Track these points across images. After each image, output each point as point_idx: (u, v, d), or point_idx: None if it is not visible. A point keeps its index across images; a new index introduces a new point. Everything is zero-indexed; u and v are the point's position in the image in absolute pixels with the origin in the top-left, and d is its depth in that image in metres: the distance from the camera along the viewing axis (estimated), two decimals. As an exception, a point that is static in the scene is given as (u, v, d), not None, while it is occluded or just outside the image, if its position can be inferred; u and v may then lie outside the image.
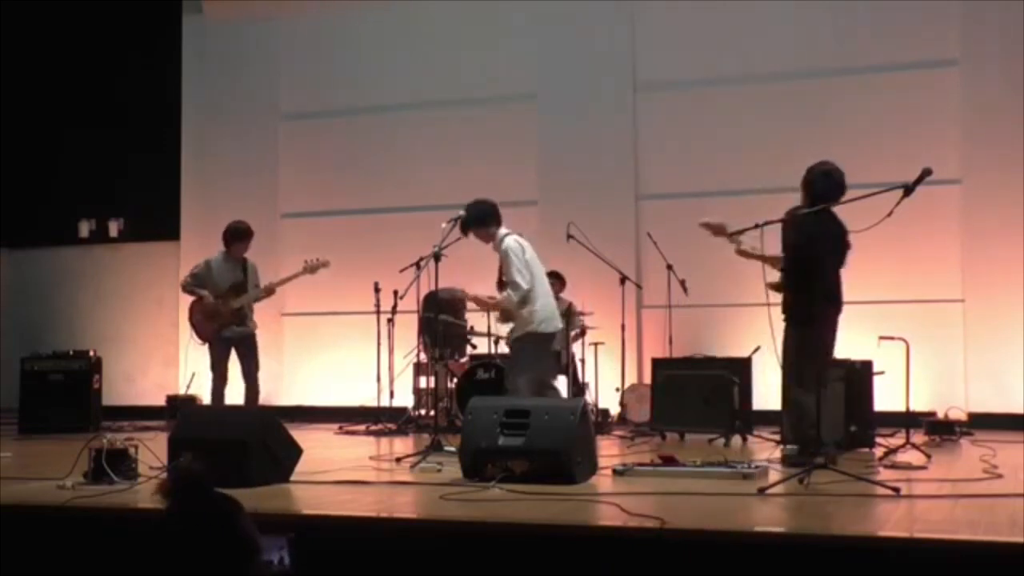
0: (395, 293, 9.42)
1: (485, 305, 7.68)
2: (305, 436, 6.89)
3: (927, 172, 5.43)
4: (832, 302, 6.37)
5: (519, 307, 7.11)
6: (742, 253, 6.62)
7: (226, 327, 8.60)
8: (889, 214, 5.39)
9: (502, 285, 7.33)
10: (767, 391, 8.05)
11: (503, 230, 7.27)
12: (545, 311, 7.18)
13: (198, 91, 12.16)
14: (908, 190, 5.41)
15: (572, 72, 10.92)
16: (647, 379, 9.34)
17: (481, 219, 7.24)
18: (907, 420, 7.49)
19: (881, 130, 9.94)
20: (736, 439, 8.07)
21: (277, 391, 11.32)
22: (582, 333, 9.65)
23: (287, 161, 11.85)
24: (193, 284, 8.80)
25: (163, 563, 2.65)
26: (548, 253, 9.94)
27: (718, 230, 7.06)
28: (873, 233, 5.64)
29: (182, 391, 11.03)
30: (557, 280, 9.85)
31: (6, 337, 12.07)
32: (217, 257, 8.81)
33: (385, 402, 9.67)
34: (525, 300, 7.09)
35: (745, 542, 4.13)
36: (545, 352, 7.31)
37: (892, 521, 4.49)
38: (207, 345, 8.74)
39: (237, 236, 8.71)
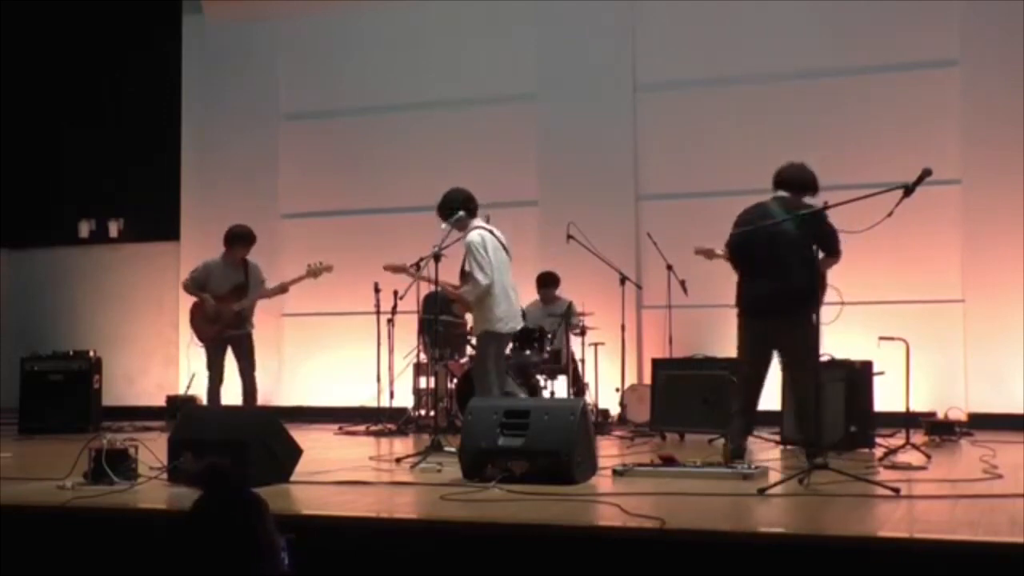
0: (395, 294, 9.41)
1: (451, 294, 7.69)
2: (305, 436, 6.89)
3: (927, 172, 5.44)
4: (742, 307, 6.49)
5: (478, 302, 7.20)
6: None
7: (226, 330, 8.59)
8: (889, 214, 5.41)
9: (464, 276, 7.36)
10: (767, 391, 8.04)
11: (475, 222, 7.31)
12: (503, 311, 7.24)
13: (198, 91, 12.16)
14: (908, 190, 5.42)
15: (572, 72, 10.91)
16: (647, 379, 9.34)
17: (445, 204, 7.32)
18: (907, 420, 7.49)
19: (881, 130, 9.94)
20: (736, 439, 8.06)
21: (277, 391, 11.32)
22: (582, 333, 9.65)
23: (287, 161, 11.85)
24: (194, 286, 8.81)
25: (179, 560, 2.64)
26: (548, 253, 10.02)
27: (710, 253, 7.18)
28: (873, 233, 5.65)
29: (182, 391, 11.02)
30: (551, 280, 9.87)
31: (6, 337, 12.08)
32: (216, 260, 8.80)
33: (385, 402, 9.66)
34: (484, 296, 7.16)
35: (745, 542, 4.13)
36: (501, 350, 7.40)
37: (892, 521, 4.49)
38: (204, 346, 8.76)
39: (239, 240, 8.66)
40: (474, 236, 7.21)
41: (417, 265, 8.30)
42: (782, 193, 6.53)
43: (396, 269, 8.34)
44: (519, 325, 7.54)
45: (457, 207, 7.29)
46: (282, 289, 8.84)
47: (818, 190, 6.57)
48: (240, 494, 2.68)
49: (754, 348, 6.47)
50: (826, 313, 6.23)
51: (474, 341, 9.50)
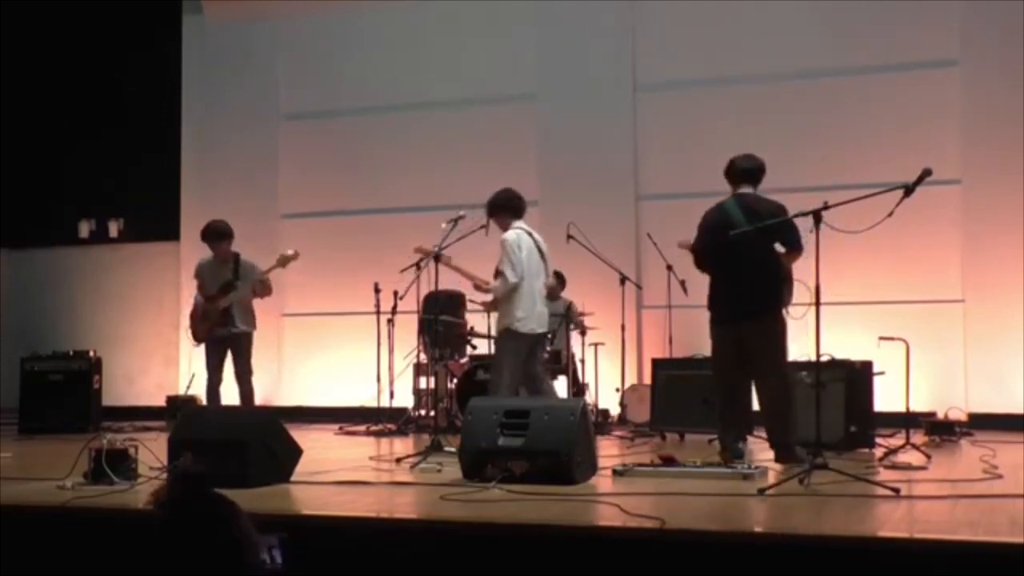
0: (395, 294, 9.42)
1: (474, 280, 7.73)
2: (305, 436, 6.89)
3: (927, 172, 5.45)
4: (712, 310, 6.52)
5: (503, 298, 7.26)
6: None
7: (214, 328, 8.57)
8: (889, 214, 5.41)
9: (498, 275, 7.44)
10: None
11: (517, 223, 7.42)
12: (525, 311, 7.27)
13: (198, 91, 12.16)
14: (908, 190, 5.43)
15: (572, 72, 10.91)
16: (647, 379, 9.34)
17: (497, 205, 7.48)
18: (907, 420, 7.49)
19: (881, 130, 9.94)
20: (736, 439, 8.06)
21: (277, 391, 11.32)
22: (582, 333, 9.64)
23: (287, 161, 11.85)
24: (198, 285, 8.81)
25: (154, 563, 2.64)
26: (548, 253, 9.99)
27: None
28: (873, 233, 5.65)
29: (182, 391, 11.03)
30: (557, 281, 9.87)
31: (6, 337, 12.08)
32: (207, 258, 8.77)
33: (385, 403, 9.67)
34: (510, 293, 7.21)
35: (745, 542, 4.13)
36: (520, 350, 7.35)
37: (892, 521, 4.49)
38: (203, 345, 8.74)
39: (213, 237, 8.60)
40: (510, 235, 7.32)
41: (417, 266, 8.30)
42: (743, 190, 6.53)
43: (427, 252, 8.12)
44: (541, 329, 7.53)
45: (505, 211, 7.45)
46: (263, 284, 8.68)
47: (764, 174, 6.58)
48: (203, 496, 2.67)
49: (729, 353, 6.49)
50: (796, 311, 6.24)
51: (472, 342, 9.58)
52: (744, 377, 6.51)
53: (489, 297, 7.71)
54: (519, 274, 7.20)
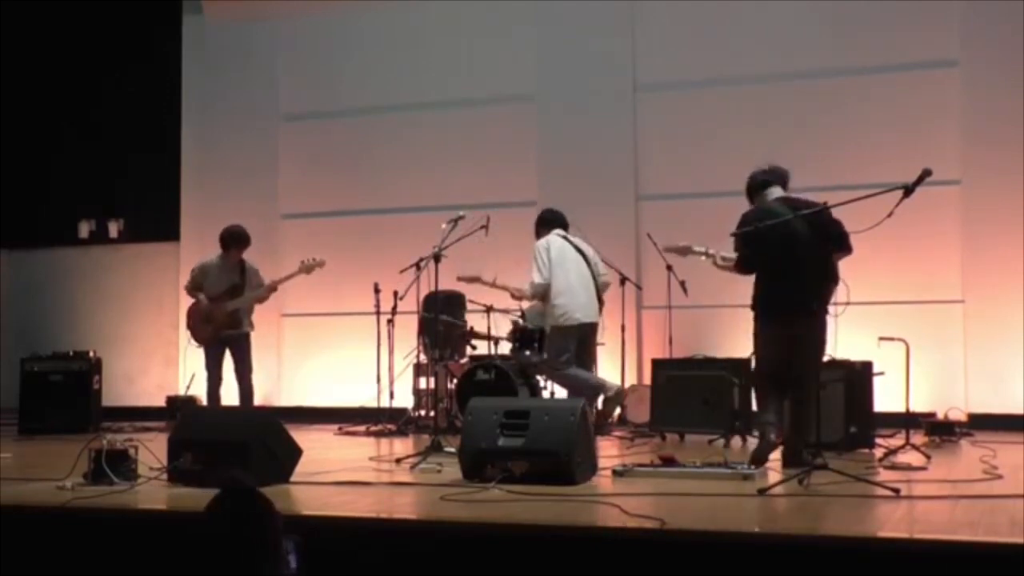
0: (395, 294, 9.43)
1: (508, 291, 8.62)
2: (305, 437, 6.89)
3: (927, 173, 5.45)
4: (764, 307, 6.42)
5: (541, 300, 8.12)
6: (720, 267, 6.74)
7: (221, 330, 8.62)
8: (889, 214, 5.40)
9: None
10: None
11: (553, 232, 8.39)
12: (563, 306, 8.02)
13: (198, 91, 12.15)
14: (908, 191, 5.42)
15: (572, 72, 10.91)
16: (647, 380, 9.33)
17: (536, 222, 8.60)
18: (907, 421, 7.49)
19: (881, 130, 9.93)
20: (736, 440, 8.07)
21: (276, 391, 11.32)
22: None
23: (287, 161, 11.84)
24: (191, 287, 8.85)
25: (192, 560, 2.65)
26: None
27: (684, 251, 7.17)
28: (873, 233, 5.65)
29: (182, 391, 11.02)
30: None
31: (6, 337, 12.07)
32: (213, 260, 8.83)
33: (385, 403, 9.66)
34: (544, 295, 8.01)
35: (745, 543, 4.13)
36: (568, 344, 8.13)
37: (892, 522, 4.49)
38: (203, 347, 8.78)
39: (235, 240, 8.72)
40: (540, 242, 8.21)
41: (417, 266, 8.33)
42: (782, 193, 6.53)
43: (470, 279, 8.74)
44: (586, 319, 8.24)
45: (540, 225, 8.60)
46: (271, 288, 8.88)
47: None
48: (255, 498, 2.69)
49: (777, 348, 6.36)
50: (831, 309, 6.24)
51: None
52: (790, 380, 6.32)
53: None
54: (545, 276, 7.98)
